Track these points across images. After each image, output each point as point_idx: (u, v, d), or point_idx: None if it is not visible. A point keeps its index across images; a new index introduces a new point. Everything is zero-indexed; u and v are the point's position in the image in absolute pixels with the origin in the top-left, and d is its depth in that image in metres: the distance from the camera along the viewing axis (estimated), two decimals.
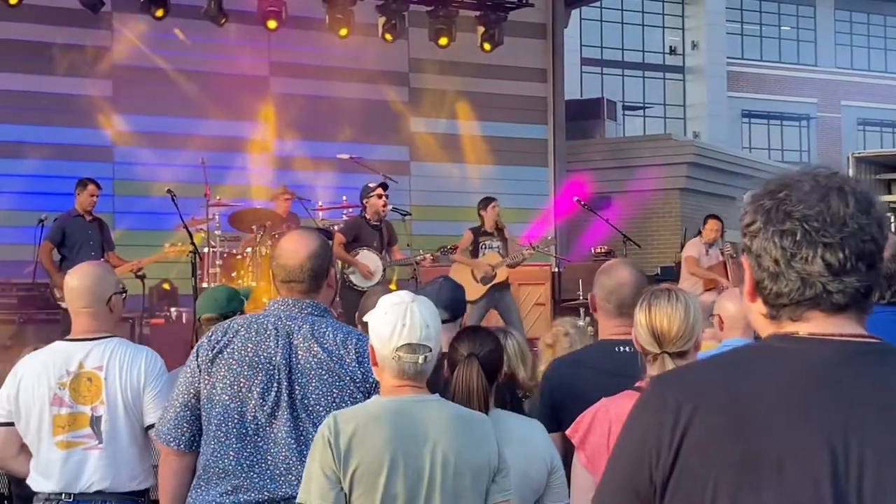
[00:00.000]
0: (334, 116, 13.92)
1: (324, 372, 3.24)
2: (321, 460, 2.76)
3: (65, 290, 4.14)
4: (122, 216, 12.68)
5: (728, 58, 30.05)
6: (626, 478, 1.71)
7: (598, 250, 14.13)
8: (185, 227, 9.84)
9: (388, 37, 13.53)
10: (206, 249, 10.35)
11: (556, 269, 13.45)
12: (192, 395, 3.31)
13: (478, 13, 14.23)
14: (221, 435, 3.24)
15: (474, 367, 3.22)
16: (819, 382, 1.64)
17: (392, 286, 10.47)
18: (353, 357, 3.26)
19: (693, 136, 27.07)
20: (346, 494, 2.73)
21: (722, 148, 21.37)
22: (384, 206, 10.34)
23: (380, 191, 10.35)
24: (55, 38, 12.62)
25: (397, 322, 2.85)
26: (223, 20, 12.78)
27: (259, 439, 3.23)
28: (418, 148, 14.95)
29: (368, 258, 10.21)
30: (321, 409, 3.20)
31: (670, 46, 30.16)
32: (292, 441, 3.20)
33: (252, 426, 3.22)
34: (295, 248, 3.39)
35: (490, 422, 2.93)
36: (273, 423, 3.22)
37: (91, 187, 10.13)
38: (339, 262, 10.00)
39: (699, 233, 12.18)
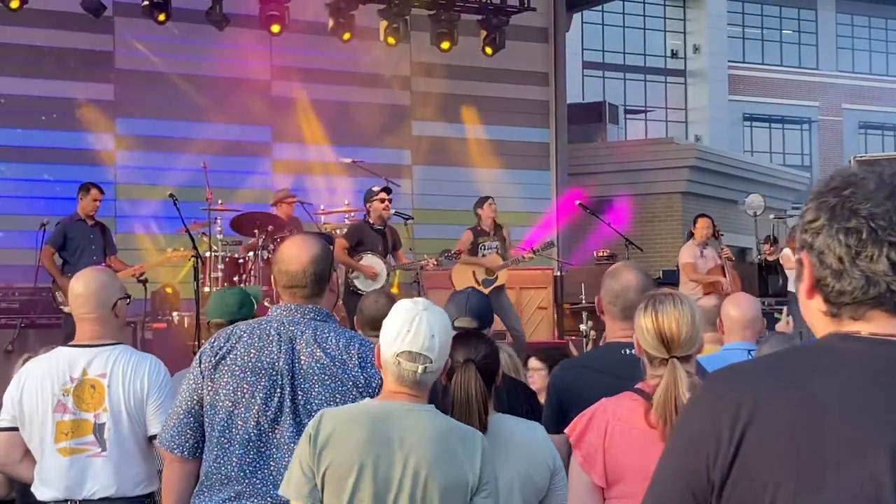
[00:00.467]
0: (336, 120, 13.93)
1: (326, 377, 3.23)
2: (301, 455, 2.81)
3: (69, 295, 4.12)
4: (124, 220, 12.69)
5: (730, 61, 30.02)
6: (681, 476, 1.70)
7: (601, 254, 14.13)
8: (188, 231, 9.83)
9: (391, 41, 13.53)
10: (208, 254, 10.35)
11: (559, 273, 13.45)
12: (195, 402, 3.30)
13: (480, 17, 14.23)
14: (225, 441, 3.23)
15: (472, 372, 3.21)
16: (882, 383, 1.62)
17: (394, 289, 10.48)
18: (356, 362, 3.25)
19: (695, 140, 27.06)
20: (320, 491, 2.76)
21: (723, 151, 21.38)
22: (386, 209, 10.34)
23: (383, 195, 10.35)
24: (57, 43, 12.64)
25: (403, 327, 2.85)
26: (225, 24, 12.78)
27: (262, 445, 3.22)
28: (420, 152, 14.95)
29: (372, 262, 10.20)
30: None
31: (672, 50, 30.13)
32: (295, 446, 3.18)
33: (255, 432, 3.22)
34: (297, 253, 3.37)
35: (481, 439, 2.89)
36: (276, 429, 3.22)
37: (94, 192, 10.12)
38: (343, 267, 10.00)
39: (691, 235, 12.11)
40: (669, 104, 30.04)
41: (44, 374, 3.98)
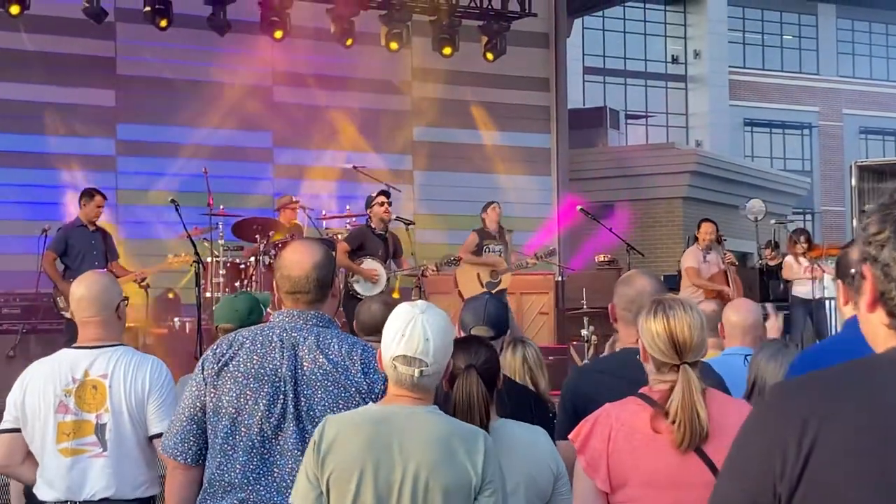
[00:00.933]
0: (338, 126, 13.94)
1: (329, 383, 3.23)
2: (307, 462, 2.82)
3: (71, 299, 4.13)
4: (125, 226, 12.69)
5: (730, 66, 30.08)
6: (746, 490, 1.68)
7: (602, 259, 14.14)
8: (189, 236, 9.84)
9: (392, 46, 13.54)
10: (209, 259, 10.35)
11: (560, 278, 13.46)
12: (198, 409, 3.29)
13: (481, 23, 14.25)
14: (228, 448, 3.22)
15: (473, 378, 3.21)
16: None
17: (395, 294, 10.49)
18: (359, 367, 3.24)
19: (695, 145, 27.09)
20: (325, 498, 2.76)
21: (724, 157, 21.41)
22: (386, 212, 10.35)
23: (381, 198, 10.37)
24: (59, 48, 12.65)
25: (398, 331, 2.85)
26: (226, 30, 12.79)
27: (265, 451, 3.21)
28: (422, 157, 14.96)
29: (373, 266, 10.21)
30: None
31: (672, 55, 30.19)
32: (298, 453, 3.17)
33: (258, 438, 3.21)
34: (299, 258, 3.37)
35: (483, 438, 2.88)
36: (279, 435, 3.21)
37: (98, 198, 10.11)
38: (344, 271, 10.02)
39: (695, 239, 12.10)
40: (670, 109, 30.09)
41: (46, 375, 4.00)
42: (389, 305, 4.77)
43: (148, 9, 12.27)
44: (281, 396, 3.22)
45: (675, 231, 17.76)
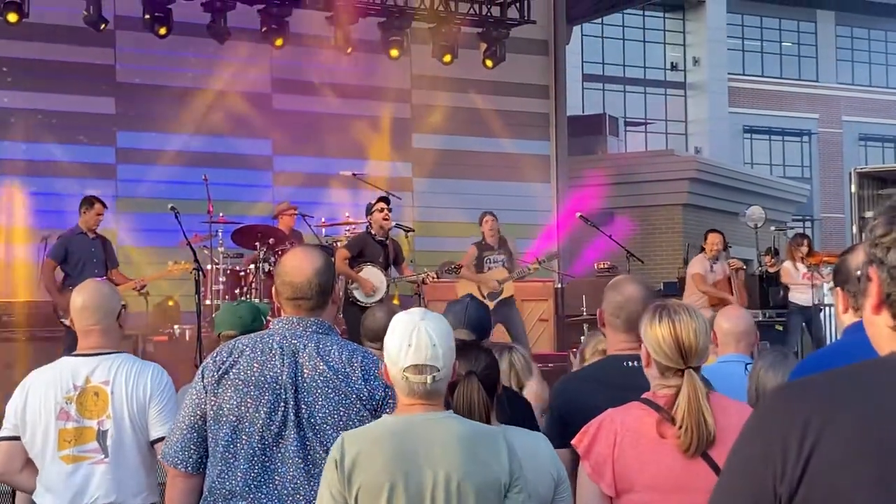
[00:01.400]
0: (337, 133, 13.95)
1: (330, 390, 3.22)
2: (329, 481, 2.79)
3: (73, 308, 4.13)
4: (125, 233, 12.69)
5: (729, 73, 30.09)
6: (746, 491, 1.67)
7: (601, 266, 14.15)
8: (189, 244, 9.83)
9: (392, 54, 13.56)
10: (209, 266, 10.35)
11: (560, 285, 13.46)
12: (198, 417, 3.28)
13: (480, 30, 14.27)
14: (229, 456, 3.21)
15: (474, 384, 3.21)
16: None
17: (395, 301, 10.49)
18: (359, 374, 3.24)
19: (695, 152, 27.12)
20: None
21: (723, 163, 21.42)
22: (386, 219, 10.35)
23: (381, 205, 10.37)
24: (58, 56, 12.66)
25: (403, 342, 2.85)
26: (226, 38, 12.80)
27: (266, 459, 3.20)
28: (421, 164, 14.96)
29: (372, 274, 10.20)
30: (328, 427, 3.19)
31: (671, 62, 30.20)
32: (300, 460, 3.17)
33: (259, 446, 3.20)
34: (301, 264, 3.36)
35: (504, 437, 2.91)
36: (280, 443, 3.20)
37: (98, 206, 10.10)
38: (343, 278, 10.01)
39: (701, 249, 12.22)
40: (669, 116, 30.10)
41: (47, 382, 4.02)
42: (394, 313, 4.79)
43: (147, 16, 12.29)
44: (282, 404, 3.21)
45: (675, 238, 17.77)
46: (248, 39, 13.13)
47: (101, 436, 3.96)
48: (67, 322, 8.52)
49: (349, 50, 13.30)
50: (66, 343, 8.51)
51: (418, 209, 14.46)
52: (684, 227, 17.76)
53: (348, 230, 11.55)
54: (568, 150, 16.35)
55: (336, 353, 3.27)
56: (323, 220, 12.08)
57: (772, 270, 13.86)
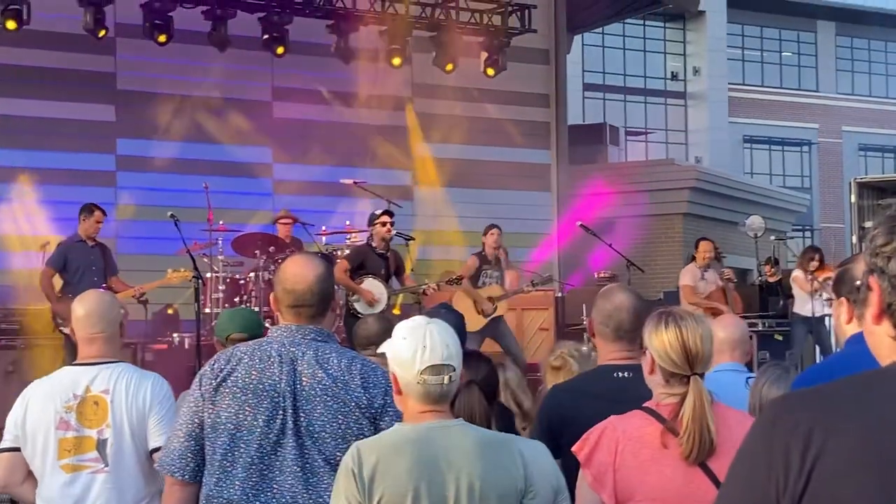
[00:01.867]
0: (337, 141, 13.95)
1: (329, 398, 3.20)
2: (346, 491, 2.76)
3: (74, 317, 4.12)
4: (124, 241, 12.68)
5: (729, 83, 30.09)
6: (748, 502, 1.66)
7: (602, 275, 14.12)
8: (188, 252, 9.82)
9: (394, 62, 13.57)
10: (209, 274, 10.34)
11: (560, 294, 13.44)
12: (196, 425, 3.25)
13: (481, 39, 14.28)
14: (227, 464, 3.19)
15: (475, 393, 3.21)
16: None
17: (396, 311, 10.48)
18: (358, 382, 3.21)
19: (695, 162, 27.09)
20: None
21: (724, 173, 21.41)
22: (388, 232, 10.33)
23: (384, 218, 10.34)
24: (58, 64, 12.66)
25: (418, 345, 2.84)
26: (226, 46, 12.81)
27: (264, 468, 3.18)
28: (422, 173, 14.96)
29: (373, 286, 10.18)
30: (327, 435, 3.17)
31: (672, 72, 30.21)
32: (298, 469, 3.15)
33: (257, 454, 3.17)
34: (302, 272, 3.33)
35: (516, 443, 2.92)
36: (278, 451, 3.18)
37: (97, 214, 10.08)
38: (344, 289, 9.99)
39: (692, 258, 12.04)
40: (670, 126, 30.11)
41: (47, 392, 4.01)
42: (384, 319, 4.80)
43: (147, 24, 12.30)
44: (280, 412, 3.19)
45: (675, 247, 17.76)
46: (248, 48, 13.14)
47: (101, 445, 3.95)
48: (66, 330, 8.52)
49: (350, 58, 13.33)
50: (66, 351, 8.49)
51: (419, 217, 14.45)
52: (684, 236, 17.76)
53: (349, 238, 11.53)
54: (569, 159, 16.35)
55: (335, 361, 3.25)
56: (323, 228, 12.07)
57: (771, 280, 13.81)
